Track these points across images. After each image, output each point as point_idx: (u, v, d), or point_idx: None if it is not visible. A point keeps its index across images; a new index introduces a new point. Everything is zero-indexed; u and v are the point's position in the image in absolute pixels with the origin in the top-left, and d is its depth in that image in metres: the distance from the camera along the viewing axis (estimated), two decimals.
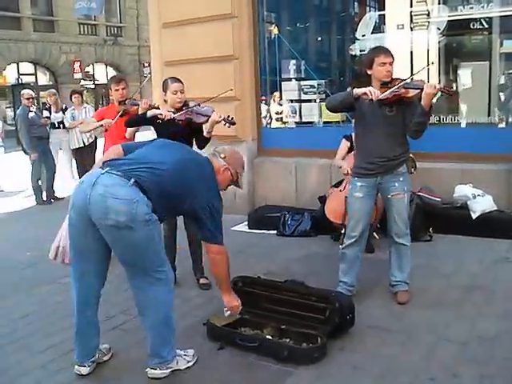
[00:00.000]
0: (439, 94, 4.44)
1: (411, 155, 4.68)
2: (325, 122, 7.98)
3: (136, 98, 6.05)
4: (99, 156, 6.51)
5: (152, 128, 4.96)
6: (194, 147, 4.90)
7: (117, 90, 5.85)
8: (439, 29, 7.32)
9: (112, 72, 30.65)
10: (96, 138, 9.70)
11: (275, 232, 6.69)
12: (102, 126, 5.94)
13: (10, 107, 26.27)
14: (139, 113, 5.26)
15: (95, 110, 10.61)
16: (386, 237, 4.59)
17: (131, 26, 33.29)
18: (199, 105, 4.84)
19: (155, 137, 4.79)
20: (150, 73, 9.67)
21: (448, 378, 3.26)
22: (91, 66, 31.23)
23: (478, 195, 6.01)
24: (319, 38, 9.51)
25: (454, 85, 7.65)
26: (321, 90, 7.96)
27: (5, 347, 3.99)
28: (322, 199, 6.36)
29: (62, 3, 27.40)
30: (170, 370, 3.45)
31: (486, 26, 7.14)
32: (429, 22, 7.47)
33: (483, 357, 3.46)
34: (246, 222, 7.12)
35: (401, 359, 3.51)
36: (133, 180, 3.10)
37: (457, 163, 6.40)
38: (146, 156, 3.33)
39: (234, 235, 6.77)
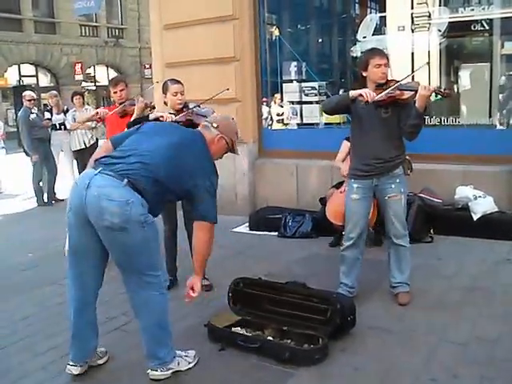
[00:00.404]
0: (435, 95, 4.44)
1: (407, 157, 4.68)
2: (326, 124, 7.99)
3: (134, 99, 6.06)
4: None
5: None
6: None
7: (115, 93, 5.88)
8: (440, 30, 7.32)
9: (113, 74, 30.70)
10: (97, 140, 9.70)
11: (276, 233, 6.69)
12: (97, 113, 5.95)
13: (11, 109, 26.29)
14: (135, 112, 5.28)
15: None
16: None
17: (132, 28, 33.35)
18: (199, 106, 4.85)
19: None
20: (151, 79, 9.66)
21: (449, 379, 3.26)
22: (92, 67, 31.28)
23: (479, 196, 6.01)
24: (320, 40, 9.51)
25: (455, 86, 7.65)
26: (322, 92, 7.96)
27: (6, 348, 3.99)
28: (323, 200, 6.35)
29: (63, 5, 27.44)
30: (170, 372, 3.45)
31: (487, 27, 7.15)
32: (430, 23, 7.48)
33: (484, 358, 3.46)
34: (247, 224, 7.12)
35: (402, 360, 3.51)
36: (126, 180, 3.09)
37: (458, 165, 6.40)
38: (136, 148, 3.26)
39: (234, 236, 6.78)
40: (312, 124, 8.02)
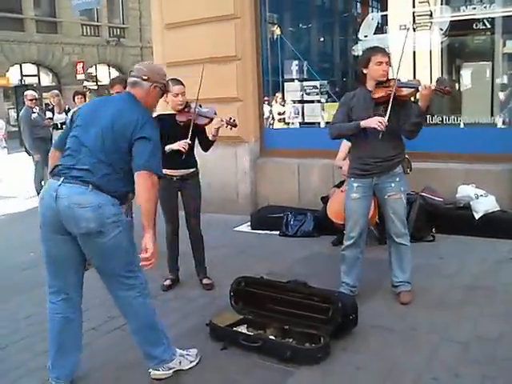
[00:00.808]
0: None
1: (406, 156, 4.67)
2: (327, 123, 7.97)
3: None
4: None
5: None
6: (197, 148, 4.92)
7: (112, 94, 5.90)
8: (442, 29, 7.30)
9: (115, 73, 30.73)
10: None
11: (278, 232, 6.69)
12: None
13: (13, 108, 26.31)
14: None
15: None
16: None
17: (134, 27, 33.34)
18: (200, 106, 4.85)
19: None
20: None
21: (450, 378, 3.26)
22: (94, 67, 31.29)
23: (481, 195, 6.01)
24: (322, 39, 9.50)
25: (457, 85, 7.64)
26: (323, 91, 7.95)
27: (7, 348, 4.01)
28: (325, 199, 6.35)
29: (64, 4, 27.41)
30: (172, 371, 3.46)
31: (489, 26, 7.13)
32: (431, 22, 7.46)
33: (485, 357, 3.46)
34: (249, 223, 7.12)
35: (403, 359, 3.51)
36: (90, 186, 3.09)
37: (459, 163, 6.40)
38: (79, 148, 3.17)
39: (236, 235, 6.79)
40: (313, 123, 8.02)
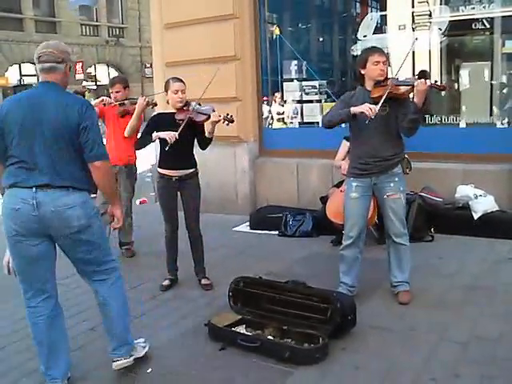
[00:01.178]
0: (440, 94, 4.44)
1: (406, 156, 4.67)
2: None
3: (135, 98, 6.05)
4: None
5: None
6: (196, 148, 4.92)
7: (111, 93, 5.91)
8: (441, 29, 7.30)
9: (114, 73, 30.73)
10: None
11: (277, 232, 6.69)
12: (102, 100, 5.94)
13: None
14: (136, 109, 5.28)
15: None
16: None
17: (133, 27, 33.37)
18: (199, 104, 4.85)
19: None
20: (152, 78, 9.65)
21: (449, 379, 3.25)
22: (93, 66, 31.30)
23: (480, 195, 6.00)
24: (321, 39, 9.50)
25: (456, 85, 7.64)
26: (322, 91, 7.95)
27: (6, 348, 4.00)
28: (324, 199, 6.35)
29: (63, 4, 27.42)
30: (132, 358, 3.51)
31: (488, 26, 7.14)
32: (430, 22, 7.47)
33: (485, 357, 3.46)
34: (248, 223, 7.12)
35: (402, 359, 3.51)
36: (69, 187, 3.15)
37: (458, 163, 6.39)
38: (34, 156, 3.13)
39: (235, 235, 6.79)
40: (312, 123, 8.02)
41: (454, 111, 7.20)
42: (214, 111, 4.75)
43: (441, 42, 7.49)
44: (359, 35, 7.76)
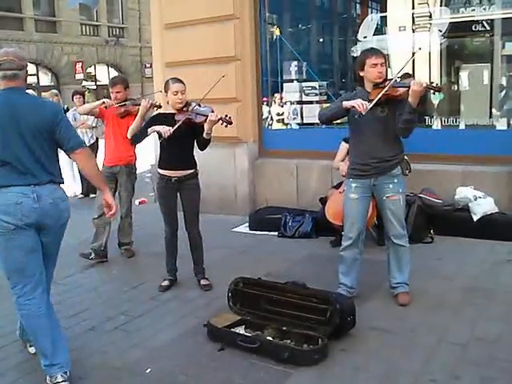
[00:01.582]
0: (440, 93, 4.44)
1: (405, 157, 4.66)
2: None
3: (135, 99, 6.05)
4: (100, 157, 6.51)
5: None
6: (196, 149, 4.91)
7: (112, 93, 5.90)
8: (441, 31, 7.31)
9: (114, 73, 30.72)
10: (97, 139, 9.71)
11: (276, 233, 6.68)
12: (103, 102, 5.91)
13: None
14: (140, 112, 5.26)
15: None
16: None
17: (133, 27, 33.36)
18: (199, 105, 4.84)
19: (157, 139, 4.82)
20: (152, 78, 9.65)
21: (449, 380, 3.25)
22: (93, 66, 31.31)
23: (479, 197, 6.01)
24: (321, 40, 9.50)
25: (456, 87, 7.65)
26: (322, 92, 7.95)
27: (5, 348, 4.00)
28: (323, 200, 6.35)
29: (63, 4, 27.43)
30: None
31: (488, 28, 7.13)
32: (431, 23, 7.47)
33: (484, 359, 3.46)
34: (247, 224, 7.12)
35: (402, 360, 3.51)
36: (56, 184, 3.44)
37: (458, 165, 6.40)
38: (20, 157, 3.28)
39: (234, 236, 6.78)
40: (312, 124, 8.01)
41: (454, 113, 7.20)
42: (212, 112, 4.73)
43: (441, 44, 7.49)
44: (359, 36, 7.76)
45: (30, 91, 9.87)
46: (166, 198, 4.92)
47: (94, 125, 9.52)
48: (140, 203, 8.76)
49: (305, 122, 8.07)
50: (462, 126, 6.99)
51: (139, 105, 5.60)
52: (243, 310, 4.13)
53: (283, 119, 8.41)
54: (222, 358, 3.66)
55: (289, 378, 3.36)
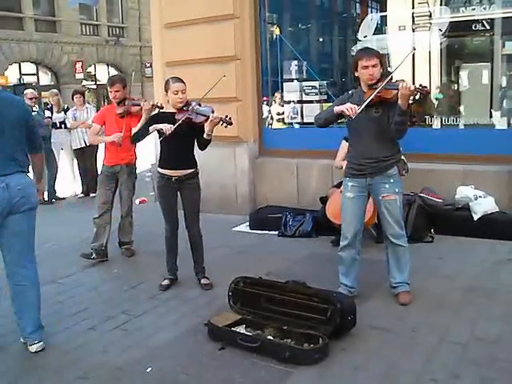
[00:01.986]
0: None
1: (403, 157, 4.66)
2: None
3: (135, 99, 6.05)
4: (101, 156, 6.51)
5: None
6: (197, 148, 4.91)
7: (110, 92, 5.88)
8: (441, 30, 7.30)
9: (114, 72, 30.70)
10: None
11: (276, 233, 6.68)
12: (114, 142, 5.78)
13: None
14: (143, 115, 5.23)
15: (97, 110, 10.60)
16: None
17: (133, 27, 33.37)
18: (200, 104, 4.83)
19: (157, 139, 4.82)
20: (152, 77, 9.64)
21: (449, 380, 3.25)
22: (93, 66, 31.30)
23: (480, 196, 6.01)
24: (321, 39, 9.49)
25: (456, 86, 7.65)
26: (322, 91, 7.95)
27: (6, 347, 4.00)
28: (324, 200, 6.35)
29: (63, 4, 27.42)
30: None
31: (488, 27, 7.12)
32: (431, 23, 7.46)
33: (484, 358, 3.45)
34: (248, 223, 7.12)
35: (402, 360, 3.51)
36: (25, 173, 3.82)
37: (458, 164, 6.39)
38: None
39: (235, 236, 6.78)
40: (312, 123, 7.98)
41: (454, 112, 7.20)
42: (213, 112, 4.73)
43: (441, 43, 7.48)
44: (359, 36, 7.75)
45: (29, 90, 10.04)
46: (167, 197, 4.92)
47: None
48: (140, 202, 8.76)
49: (305, 121, 8.07)
50: (462, 126, 6.99)
51: (139, 105, 5.61)
52: (244, 309, 4.14)
53: (283, 118, 8.41)
54: (223, 357, 3.66)
55: (289, 377, 3.36)
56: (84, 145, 9.72)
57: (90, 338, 4.07)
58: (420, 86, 4.09)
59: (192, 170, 4.90)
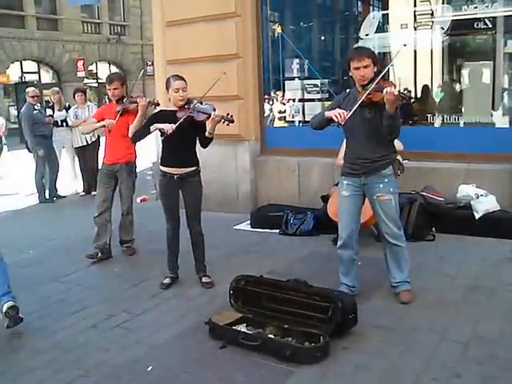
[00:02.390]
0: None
1: (398, 157, 4.64)
2: None
3: (133, 96, 6.04)
4: (102, 154, 6.51)
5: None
6: (198, 146, 4.91)
7: (109, 90, 5.88)
8: (443, 28, 7.28)
9: (115, 71, 30.64)
10: (99, 137, 9.71)
11: (278, 231, 6.68)
12: (103, 126, 5.89)
13: (13, 105, 26.27)
14: (139, 112, 5.26)
15: (98, 108, 10.60)
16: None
17: (135, 25, 33.34)
18: (201, 102, 4.83)
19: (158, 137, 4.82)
20: (153, 76, 9.64)
21: (450, 379, 3.25)
22: (94, 64, 31.27)
23: (481, 195, 6.00)
24: (323, 37, 9.48)
25: (458, 84, 7.64)
26: (324, 89, 7.94)
27: (7, 346, 4.00)
28: (325, 198, 6.34)
29: (65, 2, 27.33)
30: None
31: (490, 25, 7.11)
32: (433, 21, 7.45)
33: (486, 357, 3.45)
34: (249, 221, 7.11)
35: (403, 359, 3.51)
36: None
37: (460, 163, 6.38)
38: None
39: (236, 234, 6.78)
40: None
41: (456, 111, 7.18)
42: (214, 110, 4.72)
43: (443, 42, 7.47)
44: (361, 34, 7.74)
45: (31, 89, 10.04)
46: (168, 195, 4.92)
47: None
48: (141, 201, 8.77)
49: (307, 119, 8.05)
50: (463, 124, 6.97)
51: (136, 102, 5.62)
52: (245, 308, 4.13)
53: (285, 117, 8.40)
54: (224, 355, 3.66)
55: (290, 376, 3.36)
56: (85, 143, 9.72)
57: (91, 336, 4.07)
58: (404, 90, 4.07)
59: (194, 168, 4.90)
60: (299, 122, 8.16)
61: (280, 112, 8.48)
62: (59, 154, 9.98)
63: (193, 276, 5.08)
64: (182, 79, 4.81)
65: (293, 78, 8.23)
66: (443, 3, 7.51)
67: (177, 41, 7.83)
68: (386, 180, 4.28)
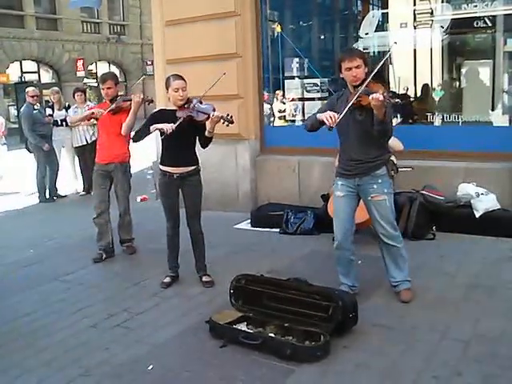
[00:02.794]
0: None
1: (392, 158, 4.63)
2: None
3: (129, 95, 6.06)
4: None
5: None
6: (198, 146, 4.91)
7: (103, 89, 5.89)
8: (443, 27, 7.29)
9: (115, 70, 30.64)
10: None
11: (278, 230, 6.68)
12: (92, 113, 5.88)
13: (13, 105, 26.24)
14: (132, 108, 5.27)
15: None
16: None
17: (134, 24, 33.33)
18: (201, 102, 4.83)
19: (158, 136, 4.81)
20: (153, 75, 9.63)
21: (451, 377, 3.25)
22: (94, 64, 31.26)
23: (482, 194, 5.99)
24: (322, 36, 9.48)
25: (457, 83, 7.64)
26: (324, 88, 7.94)
27: (8, 345, 4.00)
28: (325, 197, 6.34)
29: (64, 1, 27.32)
30: None
31: (490, 24, 7.11)
32: (432, 20, 7.45)
33: (487, 356, 3.45)
34: (249, 220, 7.11)
35: (404, 357, 3.51)
36: None
37: (460, 162, 6.38)
38: None
39: (236, 233, 6.78)
40: None
41: (456, 109, 7.18)
42: (214, 110, 4.72)
43: (442, 40, 7.47)
44: (361, 33, 7.75)
45: (31, 88, 10.04)
46: (168, 194, 4.92)
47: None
48: (142, 200, 8.77)
49: (306, 118, 8.05)
50: (463, 123, 6.97)
51: (130, 100, 5.62)
52: (245, 307, 4.13)
53: (285, 116, 8.40)
54: (225, 354, 3.66)
55: (291, 375, 3.36)
56: (85, 142, 9.71)
57: (92, 335, 4.08)
58: (389, 96, 4.04)
59: (193, 168, 4.90)
60: (299, 121, 8.15)
61: (280, 111, 8.48)
62: (59, 154, 9.98)
63: (193, 275, 5.08)
64: (182, 79, 4.81)
65: (292, 77, 8.23)
66: (443, 2, 7.51)
67: (176, 40, 7.83)
68: (380, 181, 4.27)
